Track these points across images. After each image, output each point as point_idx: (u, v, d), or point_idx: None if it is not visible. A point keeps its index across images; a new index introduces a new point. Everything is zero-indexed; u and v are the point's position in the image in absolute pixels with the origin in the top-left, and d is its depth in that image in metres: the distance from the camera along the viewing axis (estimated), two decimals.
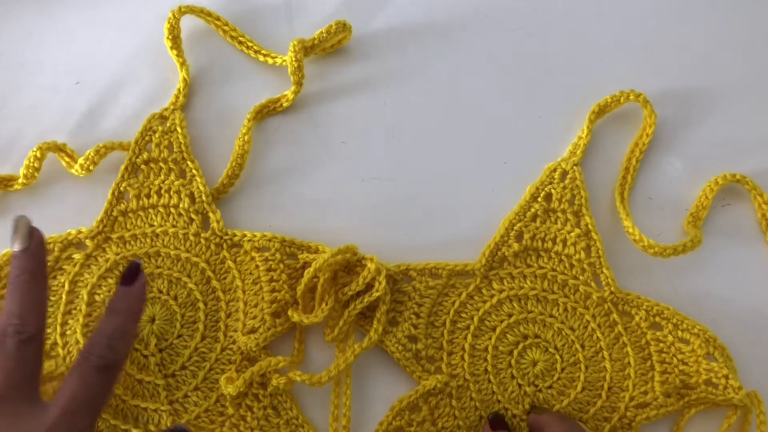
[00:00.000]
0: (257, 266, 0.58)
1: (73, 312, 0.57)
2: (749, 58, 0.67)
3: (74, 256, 0.58)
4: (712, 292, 0.60)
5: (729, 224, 0.63)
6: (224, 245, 0.59)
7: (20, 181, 0.60)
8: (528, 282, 0.59)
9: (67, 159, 0.61)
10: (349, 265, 0.57)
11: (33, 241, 0.51)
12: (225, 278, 0.59)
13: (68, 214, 0.61)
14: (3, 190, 0.61)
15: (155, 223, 0.59)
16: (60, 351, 0.56)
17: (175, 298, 0.58)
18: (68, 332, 0.57)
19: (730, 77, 0.66)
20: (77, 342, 0.56)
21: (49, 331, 0.57)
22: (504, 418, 0.56)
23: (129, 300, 0.53)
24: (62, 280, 0.58)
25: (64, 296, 0.57)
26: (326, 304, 0.55)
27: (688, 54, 0.67)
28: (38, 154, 0.59)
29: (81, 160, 0.60)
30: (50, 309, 0.57)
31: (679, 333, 0.57)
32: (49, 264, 0.58)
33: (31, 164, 0.59)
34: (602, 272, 0.58)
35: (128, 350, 0.52)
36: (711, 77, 0.66)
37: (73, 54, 0.66)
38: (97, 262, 0.58)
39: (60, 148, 0.60)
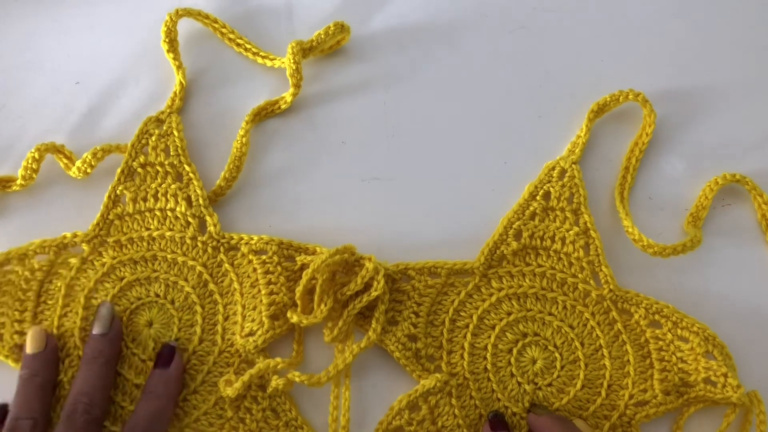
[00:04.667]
0: (255, 269, 0.58)
1: (69, 315, 0.57)
2: (749, 58, 0.67)
3: (70, 260, 0.58)
4: (712, 292, 0.60)
5: (729, 224, 0.63)
6: (221, 248, 0.59)
7: (18, 182, 0.60)
8: (527, 280, 0.59)
9: (65, 160, 0.61)
10: (347, 265, 0.57)
11: (113, 329, 0.55)
12: (222, 281, 0.58)
13: (66, 216, 0.61)
14: (1, 191, 0.61)
15: (152, 227, 0.59)
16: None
17: (173, 302, 0.58)
18: (66, 335, 0.56)
19: (730, 77, 0.67)
20: (76, 346, 0.56)
21: None
22: (504, 417, 0.55)
23: (167, 383, 0.54)
24: (59, 284, 0.57)
25: (60, 300, 0.57)
26: (325, 305, 0.55)
27: (688, 54, 0.67)
28: (36, 156, 0.59)
29: (78, 163, 0.59)
30: (47, 312, 0.57)
31: (678, 331, 0.57)
32: (44, 268, 0.57)
33: (29, 165, 0.59)
34: (601, 270, 0.58)
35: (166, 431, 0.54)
36: (711, 77, 0.67)
37: (73, 54, 0.66)
38: (94, 266, 0.58)
39: (58, 150, 0.60)
